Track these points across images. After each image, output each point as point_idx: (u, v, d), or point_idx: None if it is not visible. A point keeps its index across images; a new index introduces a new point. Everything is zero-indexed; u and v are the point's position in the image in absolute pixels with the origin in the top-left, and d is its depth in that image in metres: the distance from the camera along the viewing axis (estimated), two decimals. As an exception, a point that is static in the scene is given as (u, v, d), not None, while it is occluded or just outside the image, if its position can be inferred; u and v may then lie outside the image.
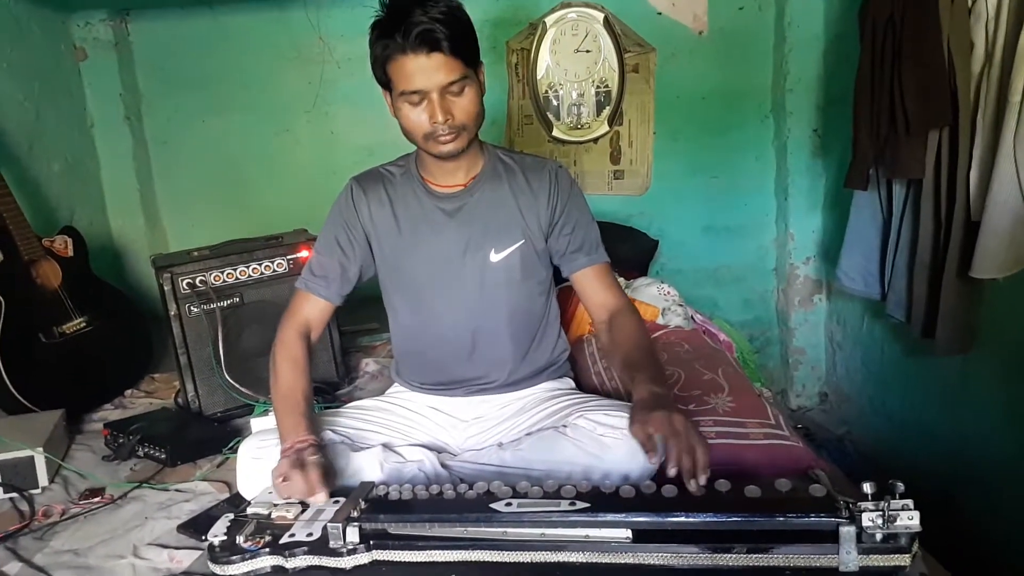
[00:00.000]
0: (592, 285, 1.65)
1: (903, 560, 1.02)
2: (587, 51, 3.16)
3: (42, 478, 1.88)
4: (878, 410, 2.86)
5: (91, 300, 2.49)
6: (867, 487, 1.05)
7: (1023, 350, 1.99)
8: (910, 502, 1.03)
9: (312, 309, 1.65)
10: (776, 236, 3.33)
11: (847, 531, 1.03)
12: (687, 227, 3.34)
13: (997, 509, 2.11)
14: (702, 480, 1.19)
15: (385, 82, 1.47)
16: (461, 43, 1.41)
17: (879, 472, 1.07)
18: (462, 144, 1.50)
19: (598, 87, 3.20)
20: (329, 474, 1.34)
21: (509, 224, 1.63)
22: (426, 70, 1.39)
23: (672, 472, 1.21)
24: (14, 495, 1.83)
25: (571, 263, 1.66)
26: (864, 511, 1.03)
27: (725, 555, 1.08)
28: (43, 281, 2.38)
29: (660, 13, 3.17)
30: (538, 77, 3.20)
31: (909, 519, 1.02)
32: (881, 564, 1.03)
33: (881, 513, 1.02)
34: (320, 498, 1.29)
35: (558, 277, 1.75)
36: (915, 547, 1.03)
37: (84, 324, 2.43)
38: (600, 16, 3.12)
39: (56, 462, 1.95)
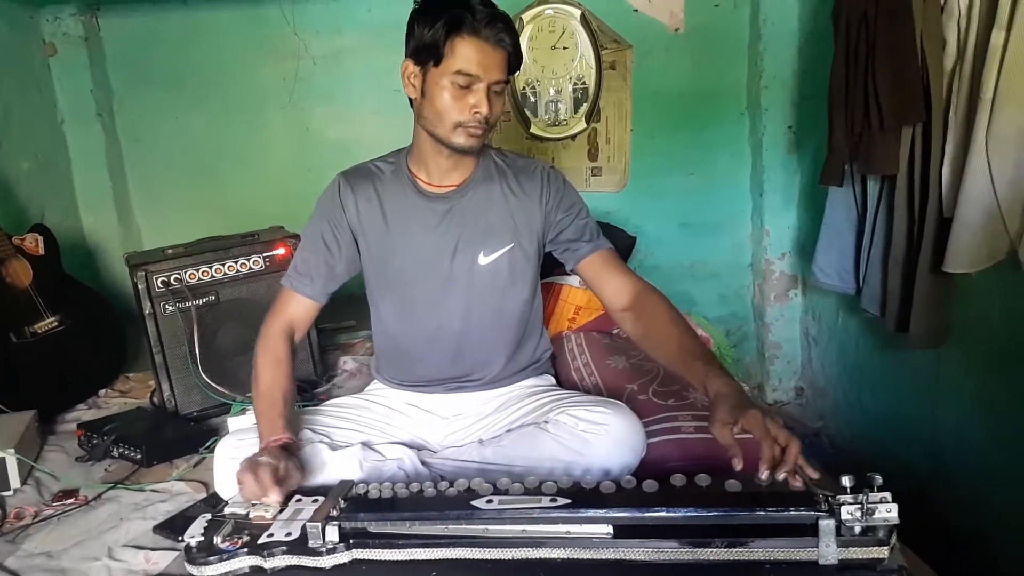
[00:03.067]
0: (602, 272, 1.61)
1: (882, 552, 1.03)
2: (564, 48, 3.16)
3: (14, 480, 1.85)
4: (853, 404, 2.88)
5: (63, 299, 2.45)
6: (846, 480, 1.05)
7: (995, 344, 2.01)
8: (888, 495, 1.04)
9: (296, 308, 1.63)
10: (752, 232, 3.35)
11: (826, 524, 1.04)
12: (664, 224, 3.35)
13: (970, 501, 2.13)
14: (813, 474, 1.13)
15: (435, 54, 1.43)
16: (516, 50, 1.47)
17: (854, 465, 1.08)
18: (482, 142, 1.51)
19: (575, 84, 3.20)
20: (287, 474, 1.32)
21: (500, 227, 1.62)
22: (491, 60, 1.43)
23: (780, 477, 1.13)
24: (-15, 497, 1.80)
25: (575, 253, 1.63)
26: (843, 504, 1.04)
27: (706, 549, 1.09)
28: (13, 280, 2.34)
29: (636, 10, 3.17)
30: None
31: (887, 512, 1.03)
32: (860, 556, 1.04)
33: (860, 506, 1.03)
34: (272, 499, 1.26)
35: (541, 273, 1.74)
36: (893, 539, 1.04)
37: (56, 323, 2.40)
38: (577, 13, 3.12)
39: (28, 464, 1.92)
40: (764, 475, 1.13)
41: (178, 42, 3.24)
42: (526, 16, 3.13)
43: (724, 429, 1.20)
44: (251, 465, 1.29)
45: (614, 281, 1.59)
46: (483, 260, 1.62)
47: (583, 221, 1.65)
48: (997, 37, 1.73)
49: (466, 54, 1.41)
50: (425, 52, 1.44)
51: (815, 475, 1.13)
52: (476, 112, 1.45)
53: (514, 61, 1.48)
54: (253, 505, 1.27)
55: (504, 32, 1.43)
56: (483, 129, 1.48)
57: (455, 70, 1.42)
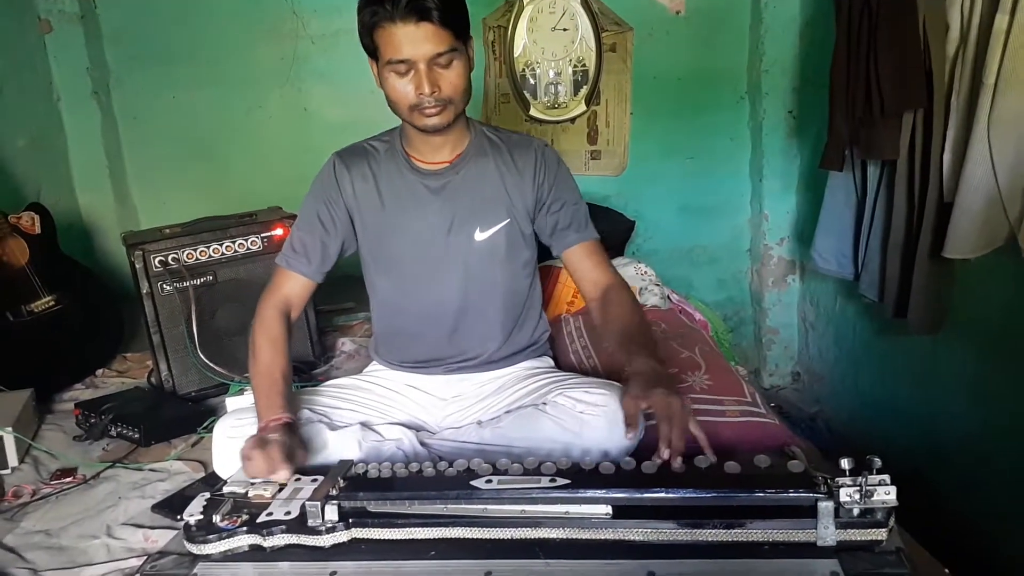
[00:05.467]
0: (583, 263, 1.64)
1: (880, 534, 1.03)
2: (564, 29, 3.14)
3: (11, 458, 1.86)
4: (850, 389, 2.89)
5: (60, 278, 2.44)
6: (845, 462, 1.06)
7: (992, 330, 2.02)
8: (887, 477, 1.04)
9: (292, 287, 1.62)
10: (751, 217, 3.34)
11: (825, 506, 1.04)
12: (663, 208, 3.34)
13: (965, 485, 2.15)
14: (677, 463, 1.19)
15: (372, 50, 1.45)
16: (451, 14, 1.40)
17: (850, 450, 1.08)
18: (447, 118, 1.48)
19: (575, 66, 3.18)
20: (294, 452, 1.32)
21: (495, 203, 1.61)
22: (414, 39, 1.38)
23: (665, 455, 1.19)
24: (-18, 475, 1.80)
25: (561, 240, 1.65)
26: (842, 486, 1.04)
27: (704, 530, 1.09)
28: (9, 259, 2.33)
29: (638, -8, 3.15)
30: (515, 55, 3.17)
31: (886, 494, 1.03)
32: (858, 538, 1.04)
33: (859, 488, 1.03)
34: (282, 475, 1.26)
35: (540, 256, 1.74)
36: (891, 521, 1.04)
37: (53, 302, 2.39)
38: (578, -6, 3.10)
39: (26, 442, 1.92)
40: (664, 454, 1.19)
41: (175, 20, 3.21)
42: (526, -3, 3.11)
43: (630, 402, 1.30)
44: (259, 442, 1.29)
45: (593, 274, 1.64)
46: (480, 236, 1.61)
47: (574, 207, 1.65)
48: (1001, 22, 1.72)
49: (390, 42, 1.39)
50: (367, 50, 1.47)
51: (713, 457, 1.19)
52: (420, 93, 1.42)
53: (457, 25, 1.41)
54: (252, 484, 1.27)
55: (423, 4, 1.35)
56: (440, 106, 1.44)
57: (386, 61, 1.41)
